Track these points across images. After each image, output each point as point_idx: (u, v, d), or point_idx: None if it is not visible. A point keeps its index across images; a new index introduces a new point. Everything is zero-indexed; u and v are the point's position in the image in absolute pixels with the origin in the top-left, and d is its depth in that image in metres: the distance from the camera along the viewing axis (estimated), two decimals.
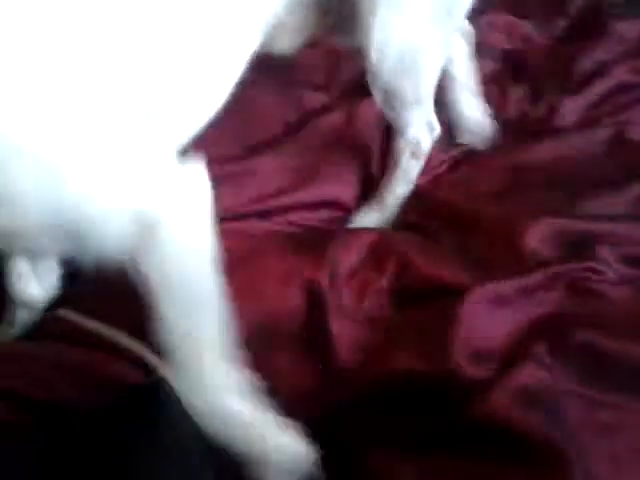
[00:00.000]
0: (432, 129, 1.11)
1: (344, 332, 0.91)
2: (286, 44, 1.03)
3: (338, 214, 1.16)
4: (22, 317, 0.97)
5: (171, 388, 0.67)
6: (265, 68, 1.14)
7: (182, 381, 0.70)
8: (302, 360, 0.89)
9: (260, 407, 0.72)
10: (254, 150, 1.18)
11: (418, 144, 1.11)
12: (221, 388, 0.70)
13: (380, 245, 1.04)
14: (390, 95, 1.03)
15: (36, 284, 0.96)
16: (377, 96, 1.04)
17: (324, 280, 0.97)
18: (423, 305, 0.94)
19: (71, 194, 0.58)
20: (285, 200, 1.12)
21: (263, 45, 0.89)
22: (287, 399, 0.75)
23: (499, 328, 0.86)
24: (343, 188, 1.17)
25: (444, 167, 1.21)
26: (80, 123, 0.58)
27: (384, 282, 0.99)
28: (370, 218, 1.14)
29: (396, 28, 0.95)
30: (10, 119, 0.54)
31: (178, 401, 0.67)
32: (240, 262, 0.95)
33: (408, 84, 1.02)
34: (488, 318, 0.87)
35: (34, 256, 0.88)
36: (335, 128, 1.24)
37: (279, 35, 0.95)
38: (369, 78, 1.01)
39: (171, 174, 0.65)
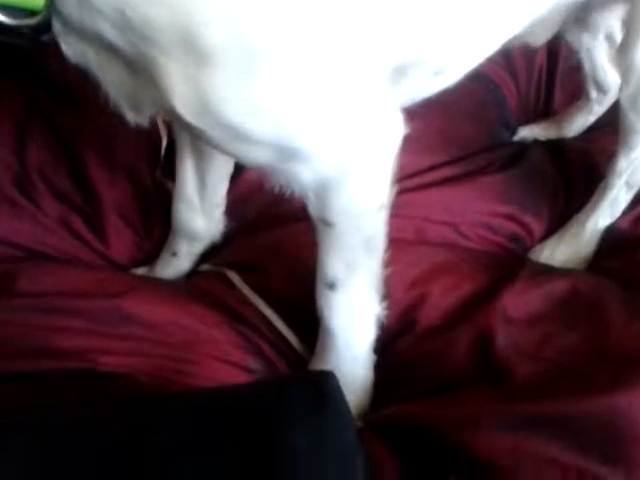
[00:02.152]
0: None
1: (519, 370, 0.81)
2: (537, 38, 0.99)
3: (523, 234, 1.05)
4: (185, 249, 0.99)
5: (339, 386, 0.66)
6: None
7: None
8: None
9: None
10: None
11: (635, 171, 0.99)
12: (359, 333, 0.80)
13: (573, 294, 0.89)
14: None
15: (202, 217, 0.97)
16: (624, 101, 0.93)
17: (496, 324, 0.86)
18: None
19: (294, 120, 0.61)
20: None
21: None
22: None
23: None
24: (531, 211, 1.06)
25: None
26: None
27: (574, 339, 0.84)
28: (561, 253, 1.02)
29: None
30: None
31: (344, 400, 0.65)
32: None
33: None
34: None
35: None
36: None
37: (535, 29, 0.89)
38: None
39: (381, 125, 0.68)
